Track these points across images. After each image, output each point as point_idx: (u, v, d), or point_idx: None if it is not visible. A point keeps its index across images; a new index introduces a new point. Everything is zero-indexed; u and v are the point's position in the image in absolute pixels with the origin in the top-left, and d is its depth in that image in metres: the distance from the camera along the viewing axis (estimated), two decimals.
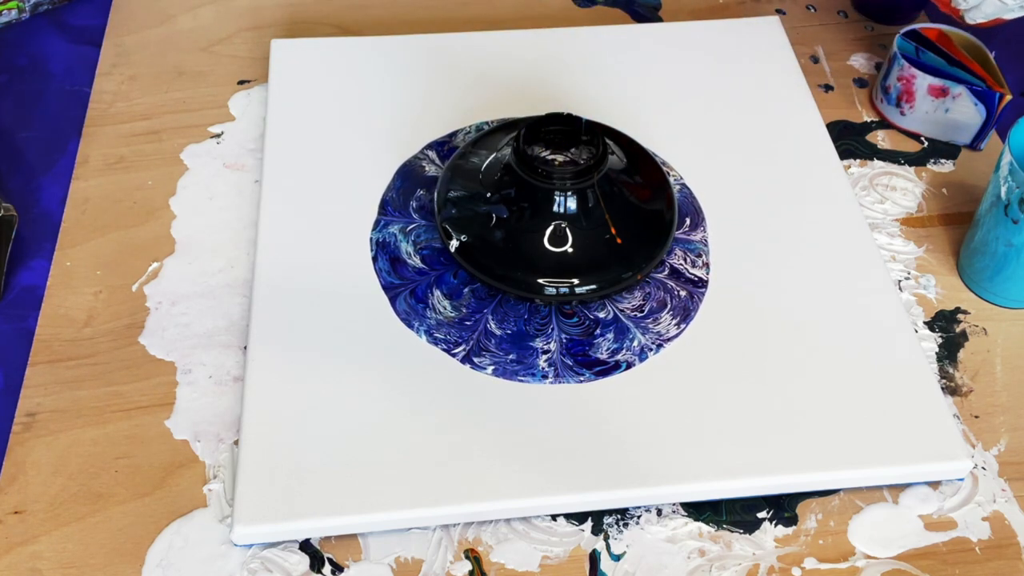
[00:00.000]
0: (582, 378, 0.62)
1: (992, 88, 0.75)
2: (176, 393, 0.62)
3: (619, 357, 0.63)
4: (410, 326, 0.64)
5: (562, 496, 0.57)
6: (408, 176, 0.72)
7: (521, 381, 0.61)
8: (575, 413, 0.60)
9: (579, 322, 0.64)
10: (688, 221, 0.70)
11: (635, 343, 0.63)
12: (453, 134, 0.75)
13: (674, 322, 0.65)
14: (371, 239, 0.68)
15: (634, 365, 0.62)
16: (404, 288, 0.66)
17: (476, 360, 0.62)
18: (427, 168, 0.73)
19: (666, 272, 0.67)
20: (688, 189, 0.72)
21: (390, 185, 0.72)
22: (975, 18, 0.72)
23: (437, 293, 0.65)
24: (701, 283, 0.67)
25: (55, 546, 0.56)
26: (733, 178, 0.73)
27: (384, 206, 0.70)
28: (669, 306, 0.65)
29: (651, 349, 0.63)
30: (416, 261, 0.67)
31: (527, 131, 0.67)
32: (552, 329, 0.64)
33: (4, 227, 0.68)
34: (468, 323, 0.64)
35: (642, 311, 0.65)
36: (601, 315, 0.65)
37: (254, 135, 0.77)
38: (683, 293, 0.66)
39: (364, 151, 0.74)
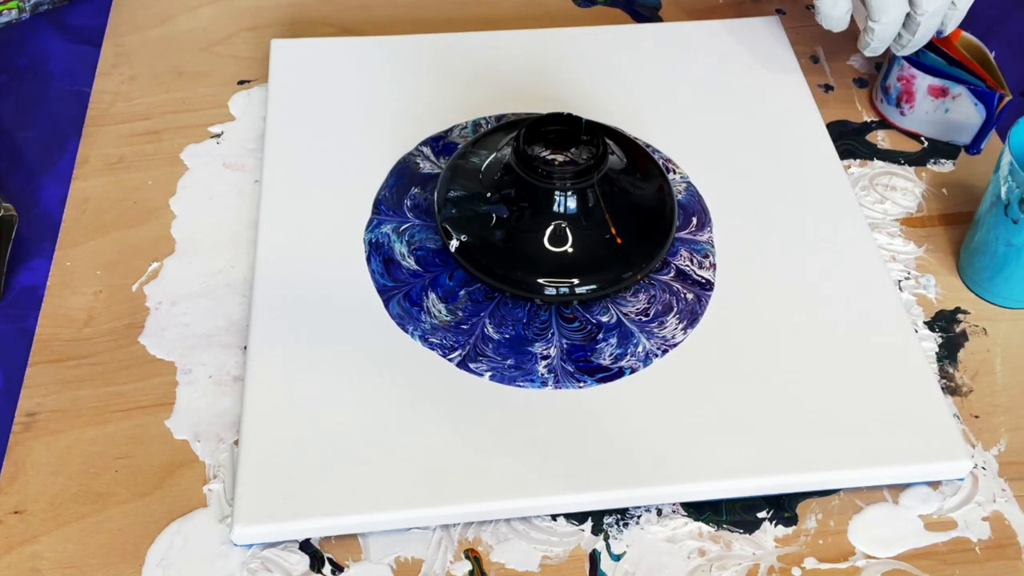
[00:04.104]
0: (583, 385, 0.62)
1: (992, 88, 0.75)
2: (176, 393, 0.62)
3: (623, 363, 0.62)
4: (404, 330, 0.64)
5: (562, 496, 0.57)
6: (403, 174, 0.72)
7: (520, 387, 0.61)
8: (576, 416, 0.60)
9: (580, 326, 0.64)
10: (695, 221, 0.70)
11: (640, 348, 0.63)
12: (449, 130, 0.75)
13: (680, 326, 0.64)
14: (364, 239, 0.68)
15: (637, 371, 0.62)
16: (398, 291, 0.65)
17: (473, 365, 0.62)
18: (422, 165, 0.73)
19: (672, 274, 0.67)
20: (694, 188, 0.72)
21: (384, 183, 0.71)
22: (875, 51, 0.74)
23: (432, 296, 0.65)
24: (708, 285, 0.67)
25: (55, 546, 0.56)
26: (733, 178, 0.73)
27: (378, 205, 0.70)
28: (675, 309, 0.65)
29: (656, 354, 0.63)
30: (410, 263, 0.67)
31: (527, 131, 0.67)
32: (552, 334, 0.64)
33: (4, 227, 0.68)
34: (464, 327, 0.64)
35: (647, 315, 0.65)
36: (604, 319, 0.65)
37: (254, 135, 0.77)
38: (690, 296, 0.66)
39: (364, 151, 0.74)
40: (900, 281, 0.70)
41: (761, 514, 0.58)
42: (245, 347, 0.64)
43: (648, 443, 0.59)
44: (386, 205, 0.70)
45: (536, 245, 0.65)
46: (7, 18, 0.83)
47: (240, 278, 0.68)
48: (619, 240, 0.65)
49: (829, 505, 0.59)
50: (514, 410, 0.60)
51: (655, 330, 0.64)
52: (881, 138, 0.79)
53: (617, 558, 0.57)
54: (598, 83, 0.79)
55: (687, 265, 0.68)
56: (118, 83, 0.80)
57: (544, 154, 0.69)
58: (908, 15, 0.71)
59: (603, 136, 0.66)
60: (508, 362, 0.62)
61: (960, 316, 0.68)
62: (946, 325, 0.68)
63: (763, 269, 0.68)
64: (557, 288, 0.64)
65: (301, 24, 0.87)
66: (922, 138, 0.79)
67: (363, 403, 0.60)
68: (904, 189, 0.75)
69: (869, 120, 0.80)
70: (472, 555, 0.56)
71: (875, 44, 0.73)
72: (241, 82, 0.81)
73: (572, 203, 0.65)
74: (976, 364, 0.66)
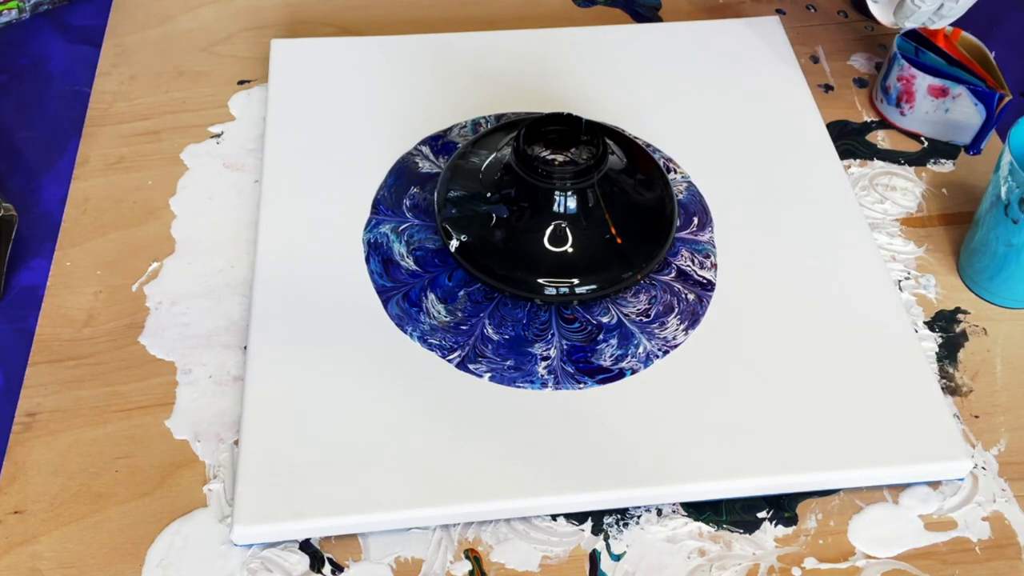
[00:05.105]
0: (583, 386, 0.61)
1: (992, 88, 0.75)
2: (176, 393, 0.62)
3: (623, 364, 0.62)
4: (404, 330, 0.64)
5: (562, 496, 0.57)
6: (401, 173, 0.72)
7: (520, 388, 0.61)
8: (576, 416, 0.60)
9: (581, 327, 0.64)
10: (696, 221, 0.70)
11: (640, 349, 0.63)
12: (448, 129, 0.75)
13: (682, 327, 0.64)
14: (363, 239, 0.68)
15: (638, 372, 0.62)
16: (397, 291, 0.65)
17: (472, 366, 0.62)
18: (421, 164, 0.73)
19: (673, 274, 0.67)
20: (695, 188, 0.72)
21: (383, 183, 0.71)
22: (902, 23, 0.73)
23: (431, 296, 0.65)
24: (709, 286, 0.66)
25: (55, 546, 0.56)
26: (733, 178, 0.73)
27: (376, 205, 0.70)
28: (676, 310, 0.65)
29: (657, 355, 0.63)
30: (409, 263, 0.67)
31: (527, 131, 0.67)
32: (552, 335, 0.64)
33: (4, 227, 0.68)
34: (464, 328, 0.64)
35: (648, 315, 0.65)
36: (604, 320, 0.64)
37: (254, 135, 0.77)
38: (691, 296, 0.66)
39: (364, 151, 0.74)
40: (900, 281, 0.70)
41: (761, 514, 0.58)
42: (245, 347, 0.64)
43: (648, 443, 0.59)
44: (385, 205, 0.70)
45: (536, 245, 0.65)
46: (7, 18, 0.83)
47: (240, 278, 0.68)
48: (619, 240, 0.65)
49: (829, 505, 0.59)
50: (514, 411, 0.60)
51: (656, 331, 0.64)
52: (881, 138, 0.79)
53: (617, 558, 0.57)
54: (598, 83, 0.79)
55: (688, 265, 0.67)
56: (118, 83, 0.80)
57: (544, 154, 0.69)
58: None
59: (603, 136, 0.66)
60: (508, 363, 0.62)
61: (960, 316, 0.68)
62: (946, 325, 0.68)
63: (764, 269, 0.68)
64: (557, 288, 0.64)
65: (301, 24, 0.87)
66: (922, 138, 0.79)
67: (363, 403, 0.60)
68: (904, 189, 0.75)
69: (869, 120, 0.80)
70: (472, 555, 0.56)
71: (925, 7, 0.70)
72: (241, 82, 0.81)
73: (572, 203, 0.65)
74: (976, 364, 0.66)
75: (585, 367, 0.62)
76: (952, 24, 0.77)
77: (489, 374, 0.62)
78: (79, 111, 0.78)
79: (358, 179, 0.72)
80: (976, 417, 0.63)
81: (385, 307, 0.65)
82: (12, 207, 0.68)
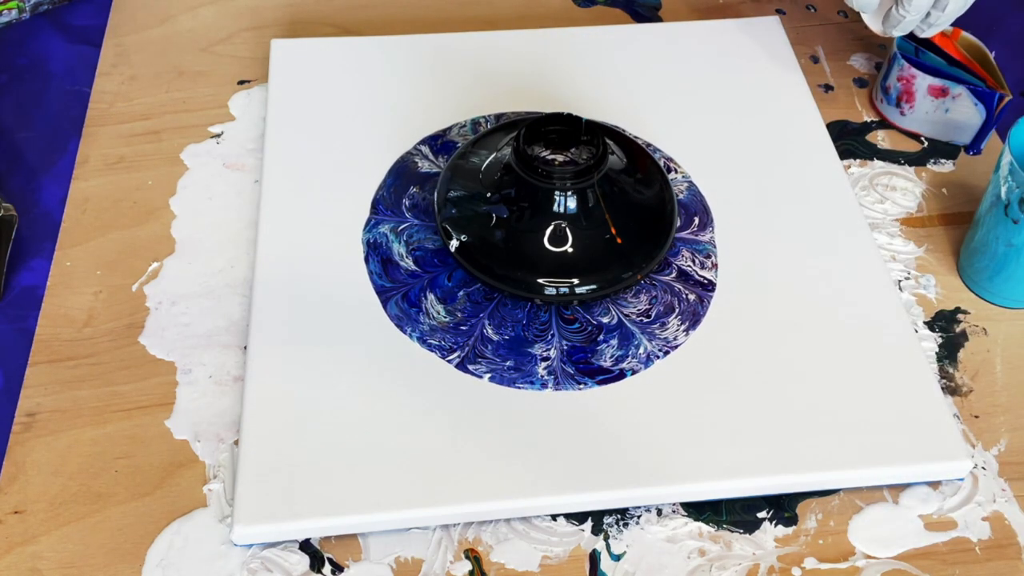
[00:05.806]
0: (583, 386, 0.61)
1: (992, 88, 0.75)
2: (176, 393, 0.62)
3: (624, 365, 0.62)
4: (403, 330, 0.64)
5: (562, 496, 0.57)
6: (401, 173, 0.72)
7: (520, 388, 0.61)
8: (576, 417, 0.60)
9: (581, 328, 0.64)
10: (696, 221, 0.70)
11: (641, 350, 0.63)
12: (447, 129, 0.75)
13: (682, 328, 0.64)
14: (363, 239, 0.68)
15: (638, 372, 0.62)
16: (396, 292, 0.65)
17: (472, 367, 0.62)
18: (420, 164, 0.73)
19: (673, 274, 0.67)
20: (696, 187, 0.72)
21: (382, 183, 0.71)
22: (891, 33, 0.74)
23: (431, 297, 0.65)
24: (710, 286, 0.66)
25: (55, 546, 0.56)
26: (733, 178, 0.73)
27: (376, 205, 0.70)
28: (677, 310, 0.65)
29: (658, 356, 0.63)
30: (409, 263, 0.67)
31: (527, 131, 0.67)
32: (552, 335, 0.64)
33: (4, 227, 0.68)
34: (463, 328, 0.64)
35: (648, 316, 0.65)
36: (605, 320, 0.64)
37: (254, 135, 0.77)
38: (692, 297, 0.66)
39: (364, 151, 0.74)
40: (900, 281, 0.70)
41: (761, 514, 0.58)
42: (245, 347, 0.64)
43: (648, 443, 0.59)
44: (384, 205, 0.70)
45: (536, 245, 0.65)
46: (7, 18, 0.83)
47: (240, 278, 0.68)
48: (619, 240, 0.65)
49: (829, 505, 0.59)
50: (514, 412, 0.60)
51: (657, 331, 0.64)
52: (881, 138, 0.79)
53: (617, 558, 0.57)
54: (598, 83, 0.79)
55: (689, 265, 0.67)
56: (118, 83, 0.80)
57: (544, 154, 0.69)
58: None
59: (603, 136, 0.66)
60: (508, 363, 0.62)
61: (960, 316, 0.68)
62: (946, 325, 0.68)
63: (764, 269, 0.68)
64: (557, 288, 0.64)
65: (301, 24, 0.87)
66: (922, 138, 0.79)
67: (363, 403, 0.60)
68: (904, 189, 0.75)
69: (869, 120, 0.80)
70: (472, 555, 0.56)
71: (911, 17, 0.71)
72: (241, 82, 0.81)
73: (572, 203, 0.65)
74: (976, 364, 0.66)
75: (585, 368, 0.62)
76: (951, 24, 0.77)
77: (489, 374, 0.62)
78: (79, 111, 0.78)
79: (358, 179, 0.72)
80: (976, 417, 0.63)
81: (384, 307, 0.65)
82: (12, 207, 0.68)
